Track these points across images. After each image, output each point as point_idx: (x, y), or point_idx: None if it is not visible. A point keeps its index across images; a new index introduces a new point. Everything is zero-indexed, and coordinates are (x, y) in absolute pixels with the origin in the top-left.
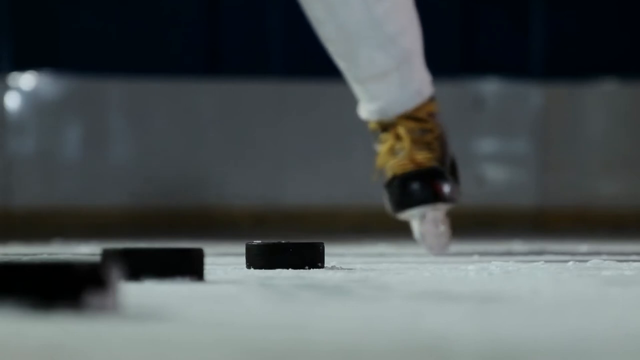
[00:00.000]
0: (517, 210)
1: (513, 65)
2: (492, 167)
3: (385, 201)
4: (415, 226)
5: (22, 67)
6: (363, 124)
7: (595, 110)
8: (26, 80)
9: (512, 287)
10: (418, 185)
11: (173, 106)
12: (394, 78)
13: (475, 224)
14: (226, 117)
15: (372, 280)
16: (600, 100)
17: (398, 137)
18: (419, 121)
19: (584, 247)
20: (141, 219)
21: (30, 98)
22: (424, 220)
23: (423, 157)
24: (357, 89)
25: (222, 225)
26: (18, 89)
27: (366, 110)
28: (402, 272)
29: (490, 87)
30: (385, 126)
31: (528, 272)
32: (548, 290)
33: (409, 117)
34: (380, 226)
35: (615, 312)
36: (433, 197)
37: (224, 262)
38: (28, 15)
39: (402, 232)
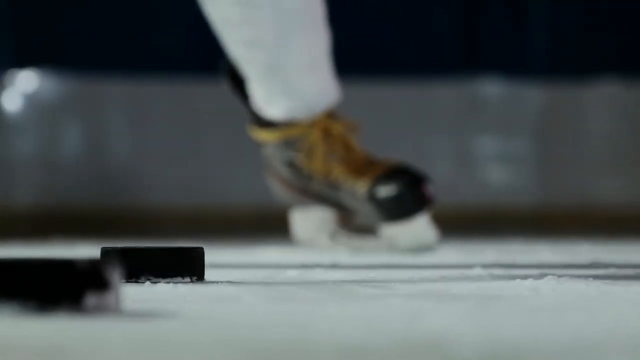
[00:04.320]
0: (517, 210)
1: (514, 64)
2: (492, 167)
3: (365, 216)
4: (404, 231)
5: (22, 65)
6: (365, 122)
7: (596, 110)
8: (26, 79)
9: (512, 286)
10: (414, 190)
11: (174, 106)
12: (323, 68)
13: (475, 224)
14: (227, 118)
15: (372, 280)
16: (602, 100)
17: (329, 140)
18: (338, 119)
19: (584, 247)
20: (141, 219)
21: (30, 96)
22: (417, 222)
23: (368, 158)
24: (274, 83)
25: (221, 225)
26: (18, 88)
27: (282, 108)
28: (402, 271)
29: (491, 87)
30: (305, 130)
31: (528, 272)
32: (548, 289)
33: (330, 115)
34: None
35: (615, 311)
36: (425, 200)
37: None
38: (28, 13)
39: None
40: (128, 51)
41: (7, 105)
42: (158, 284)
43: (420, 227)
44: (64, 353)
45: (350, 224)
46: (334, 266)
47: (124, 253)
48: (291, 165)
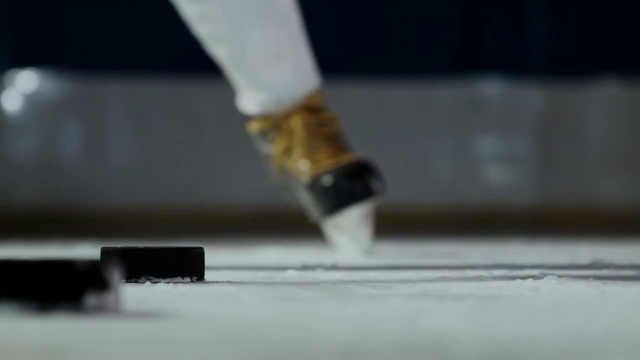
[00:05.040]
0: (517, 210)
1: (514, 64)
2: (492, 167)
3: (307, 206)
4: (343, 226)
5: (22, 65)
6: (365, 122)
7: (596, 110)
8: (26, 79)
9: (512, 286)
10: (353, 182)
11: (174, 107)
12: (289, 58)
13: (475, 224)
14: (227, 118)
15: (372, 280)
16: (602, 100)
17: (301, 134)
18: (316, 111)
19: (584, 247)
20: (141, 219)
21: (30, 96)
22: (355, 218)
23: (332, 151)
24: (242, 77)
25: (221, 225)
26: (18, 87)
27: (254, 102)
28: (402, 271)
29: (491, 87)
30: (278, 123)
31: (528, 272)
32: (548, 289)
33: (305, 107)
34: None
35: (615, 311)
36: (369, 192)
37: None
38: (28, 12)
39: (401, 230)
40: (128, 51)
41: (7, 105)
42: (158, 284)
43: (352, 222)
44: (64, 353)
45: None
46: (334, 266)
47: (123, 253)
48: (269, 158)
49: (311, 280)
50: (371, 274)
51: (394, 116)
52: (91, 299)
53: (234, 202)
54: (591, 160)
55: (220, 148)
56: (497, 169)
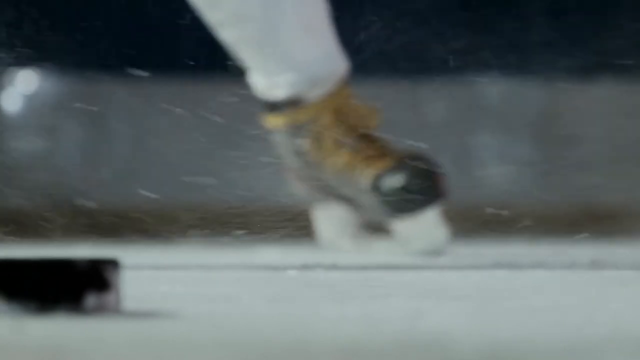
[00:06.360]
0: (517, 210)
1: (513, 64)
2: (492, 167)
3: (371, 210)
4: (414, 228)
5: (22, 65)
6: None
7: (596, 110)
8: (26, 79)
9: (512, 286)
10: (426, 182)
11: (174, 106)
12: (320, 32)
13: (475, 224)
14: (226, 117)
15: (372, 280)
16: (602, 100)
17: (341, 125)
18: (353, 103)
19: (584, 247)
20: (142, 218)
21: (30, 97)
22: (430, 219)
23: (383, 146)
24: (270, 56)
25: (222, 225)
26: (18, 87)
27: (284, 84)
28: (402, 272)
29: (491, 87)
30: (315, 115)
31: (528, 272)
32: (548, 290)
33: (341, 96)
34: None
35: (615, 311)
36: (441, 192)
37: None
38: (29, 12)
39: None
40: (128, 51)
41: (7, 105)
42: (158, 284)
43: (429, 224)
44: (64, 353)
45: (362, 220)
46: (334, 266)
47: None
48: (300, 154)
49: (311, 280)
50: (371, 274)
51: (393, 116)
52: (91, 299)
53: (235, 202)
54: (591, 160)
55: (220, 147)
56: (497, 169)
